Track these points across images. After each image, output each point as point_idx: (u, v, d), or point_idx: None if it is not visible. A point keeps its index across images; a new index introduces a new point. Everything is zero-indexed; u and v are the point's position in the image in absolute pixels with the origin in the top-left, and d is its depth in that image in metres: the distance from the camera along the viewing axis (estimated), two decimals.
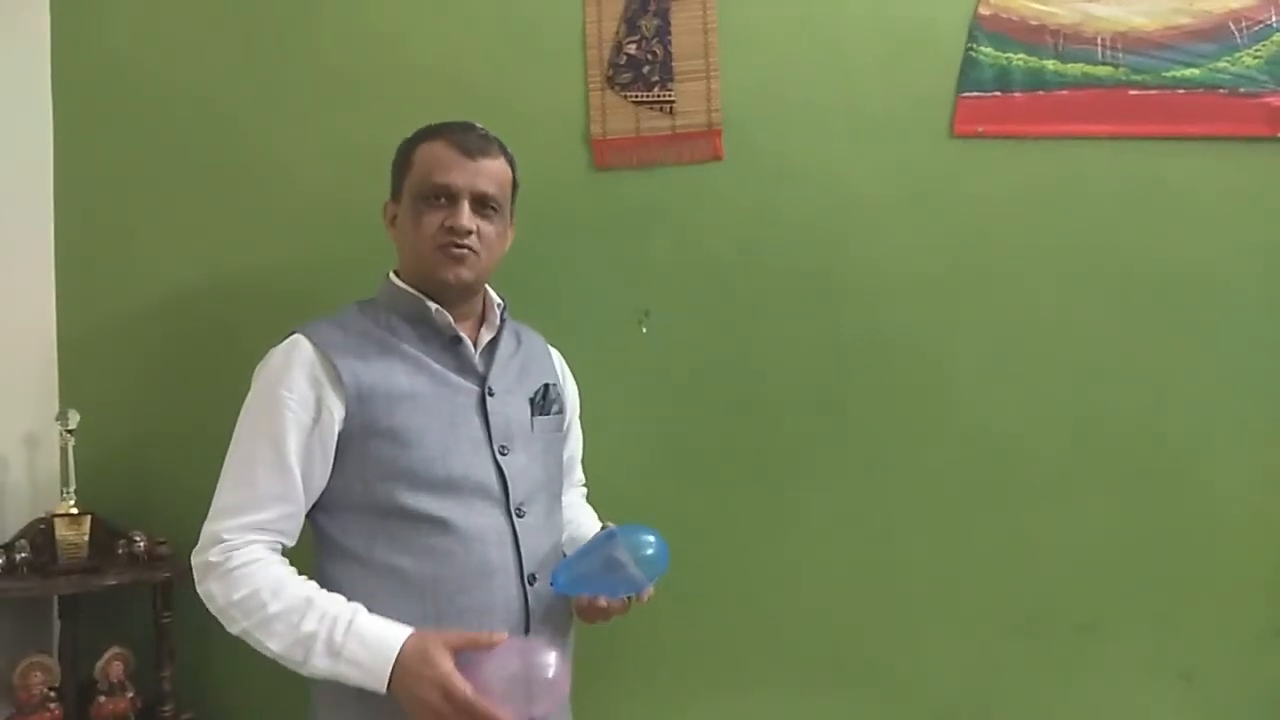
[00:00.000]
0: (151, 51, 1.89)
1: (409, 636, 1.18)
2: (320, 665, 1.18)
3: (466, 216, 1.33)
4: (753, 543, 1.79)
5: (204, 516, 1.29)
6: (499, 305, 1.44)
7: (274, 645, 1.20)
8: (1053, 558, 1.73)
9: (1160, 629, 1.71)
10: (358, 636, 1.18)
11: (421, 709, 1.15)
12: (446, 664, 1.15)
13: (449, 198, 1.34)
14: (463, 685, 1.13)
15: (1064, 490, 1.73)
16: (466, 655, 1.17)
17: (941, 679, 1.75)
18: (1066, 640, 1.73)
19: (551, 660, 1.19)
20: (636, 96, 1.80)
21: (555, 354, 1.58)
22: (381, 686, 1.17)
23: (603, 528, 1.36)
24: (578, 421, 1.62)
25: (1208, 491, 1.71)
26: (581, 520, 1.55)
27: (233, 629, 1.23)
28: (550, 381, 1.47)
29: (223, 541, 1.23)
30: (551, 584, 1.31)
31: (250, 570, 1.22)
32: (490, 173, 1.36)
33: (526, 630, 1.31)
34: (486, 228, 1.36)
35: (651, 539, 1.31)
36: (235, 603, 1.21)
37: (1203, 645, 1.70)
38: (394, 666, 1.16)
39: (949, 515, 1.75)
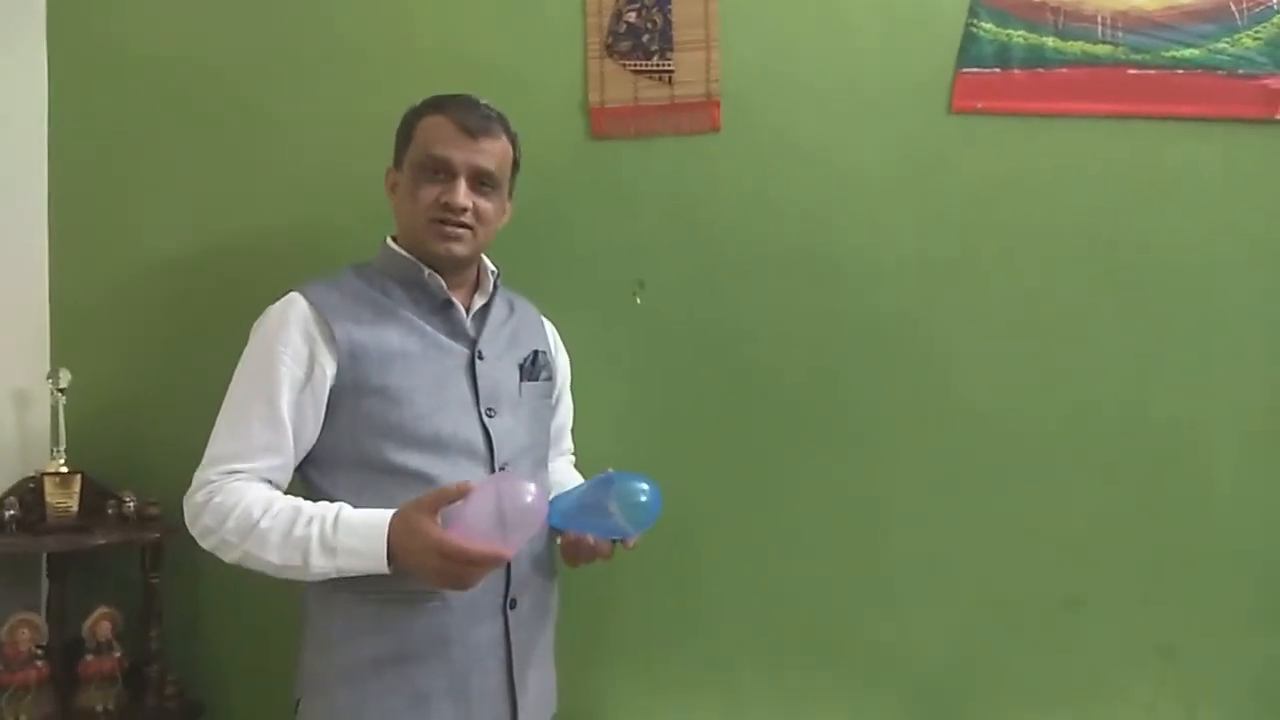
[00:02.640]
0: (150, 11, 1.87)
1: (393, 517, 1.22)
2: (322, 565, 1.22)
3: (463, 193, 1.35)
4: (741, 517, 1.79)
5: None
6: (493, 273, 1.46)
7: (273, 557, 1.23)
8: (1039, 535, 1.74)
9: (1144, 607, 1.72)
10: (347, 528, 1.22)
11: (427, 575, 1.19)
12: (433, 528, 1.18)
13: (447, 172, 1.36)
14: (454, 541, 1.16)
15: (1051, 468, 1.74)
16: (449, 510, 1.19)
17: (926, 654, 1.77)
18: (1050, 617, 1.74)
19: (526, 488, 1.21)
20: (635, 65, 1.79)
21: (548, 324, 1.60)
22: (384, 567, 1.21)
23: (601, 471, 1.37)
24: (568, 391, 1.64)
25: (1195, 472, 1.71)
26: (567, 483, 1.57)
27: (231, 556, 1.26)
28: (540, 349, 1.50)
29: (211, 483, 1.27)
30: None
31: (237, 497, 1.25)
32: (491, 151, 1.38)
33: (507, 587, 1.33)
34: (483, 204, 1.38)
35: (645, 487, 1.31)
36: (229, 529, 1.24)
37: (1186, 624, 1.71)
38: (388, 546, 1.20)
39: (936, 492, 1.76)
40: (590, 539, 1.34)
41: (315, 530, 1.22)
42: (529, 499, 1.20)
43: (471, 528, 1.17)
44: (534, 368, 1.46)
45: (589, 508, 1.32)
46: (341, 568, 1.22)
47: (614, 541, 1.37)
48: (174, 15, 1.86)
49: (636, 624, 1.80)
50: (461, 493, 1.18)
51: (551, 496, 1.43)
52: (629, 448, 1.77)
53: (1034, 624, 1.74)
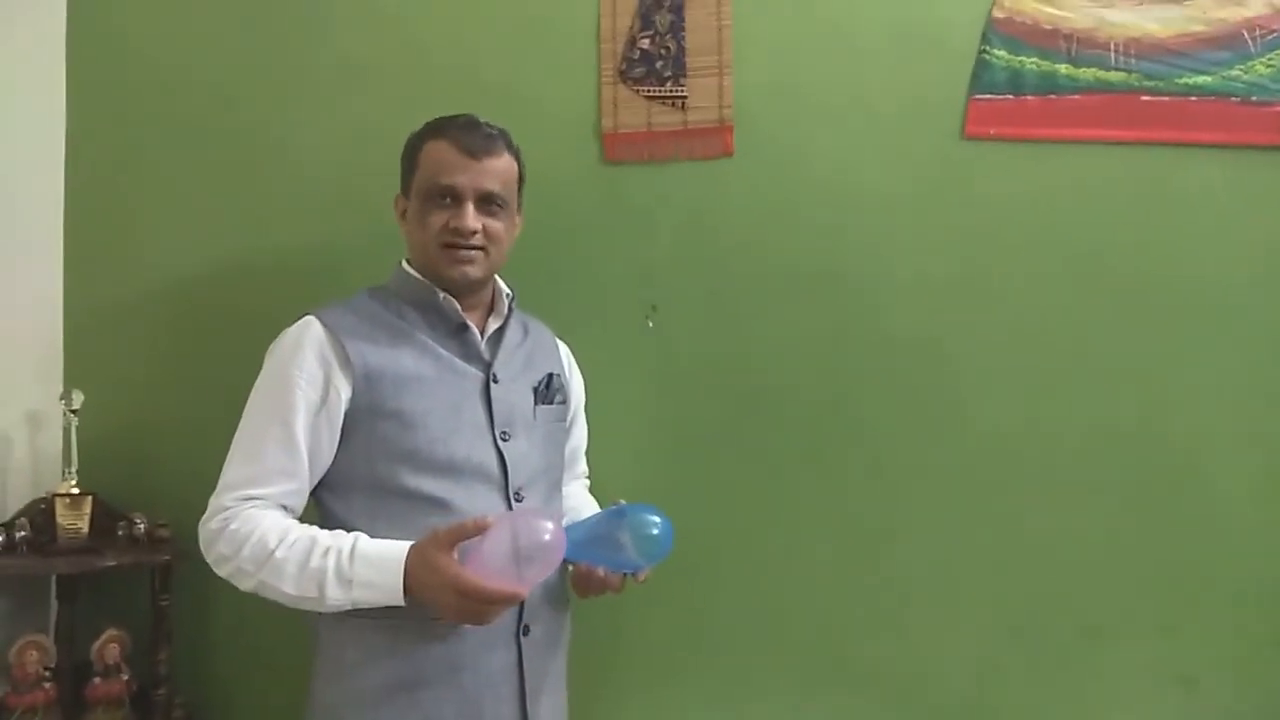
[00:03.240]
0: (165, 34, 1.89)
1: (409, 551, 1.21)
2: (338, 597, 1.21)
3: (471, 217, 1.35)
4: (753, 540, 1.78)
5: (206, 500, 1.31)
6: (507, 295, 1.46)
7: (289, 588, 1.23)
8: (1056, 561, 1.72)
9: (1163, 635, 1.70)
10: (363, 561, 1.22)
11: (444, 610, 1.19)
12: (449, 565, 1.17)
13: (454, 198, 1.36)
14: (471, 579, 1.15)
15: (1068, 493, 1.72)
16: (466, 545, 1.18)
17: (941, 680, 1.74)
18: (1068, 644, 1.72)
19: (544, 526, 1.20)
20: (649, 91, 1.81)
21: (563, 346, 1.60)
22: (400, 600, 1.21)
23: (613, 503, 1.37)
24: (583, 414, 1.63)
25: (1212, 497, 1.70)
26: (581, 507, 1.57)
27: (247, 585, 1.26)
28: (554, 371, 1.49)
29: (227, 509, 1.27)
30: None
31: (253, 526, 1.25)
32: (495, 172, 1.38)
33: (521, 614, 1.32)
34: (493, 224, 1.38)
35: (657, 520, 1.30)
36: (245, 557, 1.24)
37: (1205, 652, 1.69)
38: (404, 580, 1.19)
39: (951, 516, 1.75)
40: (601, 571, 1.33)
41: (331, 562, 1.21)
42: (546, 537, 1.19)
43: (487, 565, 1.16)
44: (548, 390, 1.46)
45: (600, 539, 1.31)
46: (357, 600, 1.22)
47: (624, 574, 1.36)
48: (191, 39, 1.88)
49: (647, 646, 1.79)
50: (479, 529, 1.17)
51: (564, 524, 1.43)
52: (640, 471, 1.77)
53: (1053, 651, 1.72)
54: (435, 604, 1.19)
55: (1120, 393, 1.72)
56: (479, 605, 1.17)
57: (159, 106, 1.88)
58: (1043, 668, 1.72)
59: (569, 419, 1.55)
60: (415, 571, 1.19)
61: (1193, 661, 1.69)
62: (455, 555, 1.18)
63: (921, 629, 1.75)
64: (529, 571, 1.18)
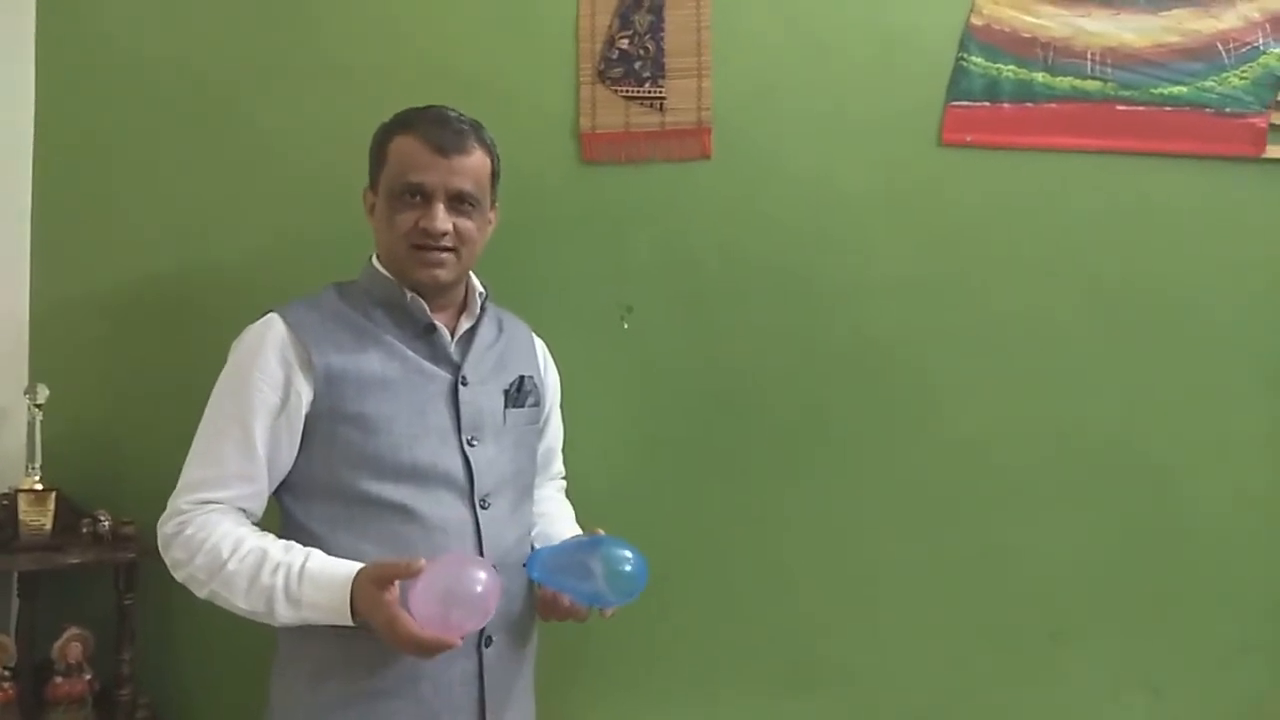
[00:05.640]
0: (139, 24, 1.86)
1: (355, 577, 1.18)
2: (287, 615, 1.20)
3: (441, 218, 1.31)
4: (726, 542, 1.78)
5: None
6: (480, 294, 1.42)
7: (240, 602, 1.21)
8: (1025, 566, 1.73)
9: (1130, 641, 1.72)
10: (311, 582, 1.19)
11: (386, 643, 1.16)
12: (386, 605, 1.14)
13: (423, 197, 1.31)
14: (405, 624, 1.13)
15: (1039, 499, 1.73)
16: (405, 583, 1.15)
17: (910, 684, 1.75)
18: (1036, 649, 1.73)
19: (477, 575, 1.16)
20: (627, 91, 1.80)
21: (539, 343, 1.56)
22: (348, 621, 1.18)
23: (591, 532, 1.34)
24: (558, 412, 1.60)
25: (1182, 506, 1.71)
26: (555, 514, 1.54)
27: (201, 593, 1.24)
28: (527, 373, 1.45)
29: (184, 513, 1.24)
30: (525, 564, 1.31)
31: (207, 533, 1.22)
32: (466, 169, 1.32)
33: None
34: (464, 224, 1.33)
35: (629, 556, 1.27)
36: (198, 565, 1.22)
37: (1172, 659, 1.71)
38: (351, 604, 1.17)
39: (923, 520, 1.75)
40: (566, 600, 1.31)
41: (280, 580, 1.19)
42: (479, 589, 1.15)
43: (419, 611, 1.14)
44: (520, 394, 1.42)
45: (572, 567, 1.28)
46: (306, 618, 1.20)
47: (590, 607, 1.33)
48: (165, 30, 1.85)
49: (617, 650, 1.78)
50: (412, 572, 1.13)
51: (537, 546, 1.41)
52: (612, 471, 1.77)
53: (1021, 656, 1.74)
54: (378, 635, 1.16)
55: (1092, 399, 1.73)
56: (415, 649, 1.14)
57: (131, 95, 1.85)
58: (1011, 672, 1.73)
59: (542, 420, 1.52)
60: (359, 600, 1.16)
61: (1159, 669, 1.71)
62: (396, 590, 1.15)
63: (891, 631, 1.76)
64: (461, 620, 1.15)
